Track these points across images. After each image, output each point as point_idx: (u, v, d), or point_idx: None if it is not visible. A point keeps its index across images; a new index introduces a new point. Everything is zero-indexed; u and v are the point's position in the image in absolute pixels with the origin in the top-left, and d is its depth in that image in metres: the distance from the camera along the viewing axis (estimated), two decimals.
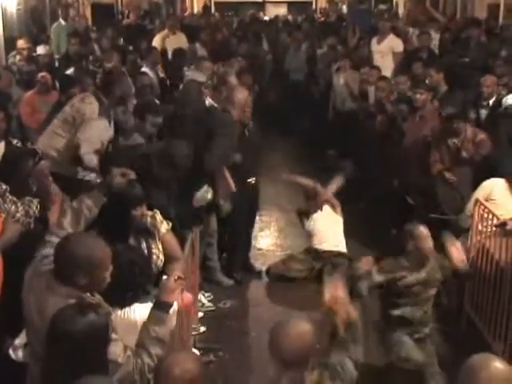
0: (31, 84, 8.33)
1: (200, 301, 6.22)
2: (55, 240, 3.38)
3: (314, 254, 6.87)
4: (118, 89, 6.46)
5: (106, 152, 6.06)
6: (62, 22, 12.74)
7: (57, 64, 10.60)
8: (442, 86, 8.06)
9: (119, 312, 3.53)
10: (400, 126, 7.64)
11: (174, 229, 4.49)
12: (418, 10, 12.82)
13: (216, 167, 5.92)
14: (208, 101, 7.31)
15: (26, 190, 4.66)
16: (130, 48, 11.55)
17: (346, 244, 7.13)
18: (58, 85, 8.39)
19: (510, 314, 5.00)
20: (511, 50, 9.65)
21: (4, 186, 4.42)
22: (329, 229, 6.89)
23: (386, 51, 10.52)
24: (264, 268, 7.05)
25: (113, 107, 6.37)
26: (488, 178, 5.95)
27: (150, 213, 4.33)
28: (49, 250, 3.33)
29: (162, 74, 9.45)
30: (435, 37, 10.99)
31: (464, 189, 6.44)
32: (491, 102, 7.53)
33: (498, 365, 2.62)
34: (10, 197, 4.32)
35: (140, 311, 3.59)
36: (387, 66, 10.19)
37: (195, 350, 5.32)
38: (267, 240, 7.84)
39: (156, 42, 11.40)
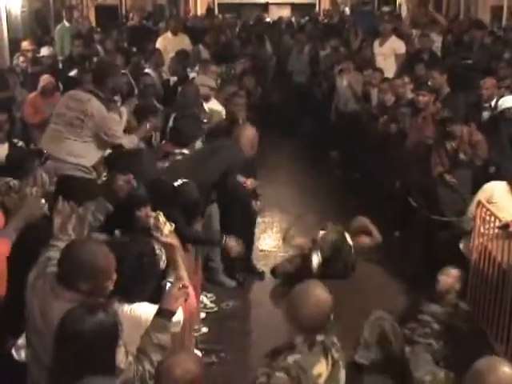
0: (35, 86, 8.35)
1: (202, 302, 6.22)
2: (59, 244, 3.40)
3: None
4: (111, 80, 6.43)
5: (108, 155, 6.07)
6: (66, 23, 12.75)
7: (60, 66, 10.64)
8: (445, 87, 8.06)
9: (125, 307, 3.54)
10: (402, 128, 7.65)
11: (176, 230, 4.51)
12: (420, 12, 12.81)
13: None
14: (212, 101, 7.33)
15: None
16: (134, 49, 11.59)
17: None
18: (61, 86, 8.41)
19: None
20: None
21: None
22: None
23: (388, 53, 10.54)
24: (269, 268, 7.07)
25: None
26: (488, 180, 5.95)
27: (153, 214, 4.35)
28: (53, 253, 3.36)
29: (165, 76, 9.48)
30: (438, 39, 10.99)
31: (464, 191, 6.45)
32: (493, 103, 7.53)
33: (506, 369, 2.62)
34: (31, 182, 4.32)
35: (145, 309, 3.60)
36: (390, 68, 10.20)
37: (197, 351, 5.33)
38: (269, 241, 7.84)
39: (159, 43, 11.43)
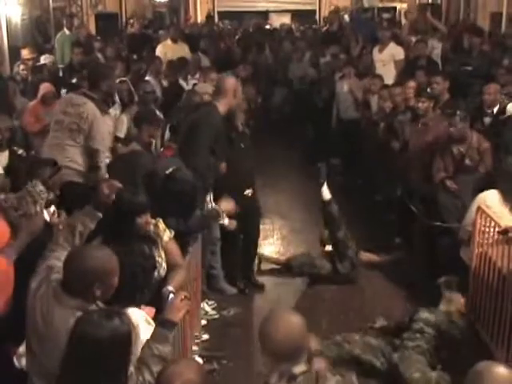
0: (36, 94, 8.36)
1: (203, 309, 6.23)
2: (55, 253, 3.42)
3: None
4: (105, 84, 6.45)
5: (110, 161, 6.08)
6: (67, 31, 12.79)
7: (61, 73, 10.66)
8: (445, 94, 8.07)
9: None
10: (402, 135, 7.65)
11: (176, 237, 4.52)
12: (420, 20, 12.84)
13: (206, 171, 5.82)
14: None
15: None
16: (135, 57, 11.62)
17: None
18: (63, 94, 8.42)
19: None
20: None
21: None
22: None
23: (387, 59, 10.57)
24: (269, 275, 7.10)
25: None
26: (489, 187, 5.94)
27: (153, 221, 4.35)
28: (53, 262, 3.39)
29: (165, 83, 9.50)
30: (438, 46, 11.02)
31: (466, 197, 6.44)
32: (495, 109, 7.54)
33: (504, 372, 2.67)
34: (28, 197, 4.32)
35: (136, 315, 3.60)
36: (389, 75, 10.23)
37: (198, 358, 5.33)
38: (270, 248, 7.84)
39: (159, 50, 11.46)
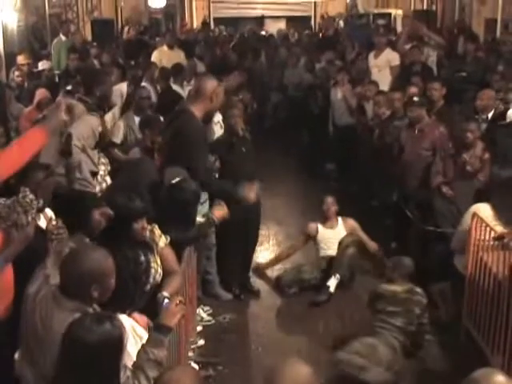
0: (32, 100, 8.36)
1: (199, 314, 6.22)
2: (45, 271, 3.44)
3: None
4: (99, 89, 6.46)
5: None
6: (63, 37, 12.79)
7: (57, 79, 10.67)
8: (440, 100, 8.09)
9: None
10: (397, 140, 7.67)
11: (171, 243, 4.52)
12: (415, 27, 12.88)
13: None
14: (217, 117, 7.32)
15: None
16: (132, 63, 11.62)
17: None
18: None
19: (508, 327, 4.99)
20: (508, 65, 9.70)
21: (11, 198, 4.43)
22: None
23: (383, 65, 10.60)
24: (265, 281, 7.09)
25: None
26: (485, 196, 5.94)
27: (148, 227, 4.36)
28: (50, 271, 3.40)
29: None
30: (433, 53, 11.04)
31: (462, 204, 6.45)
32: (489, 115, 7.56)
33: (501, 378, 2.67)
34: (18, 208, 4.31)
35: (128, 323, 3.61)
36: (385, 80, 10.25)
37: (194, 364, 5.32)
38: (266, 254, 7.84)
39: (155, 56, 11.47)
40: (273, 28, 20.74)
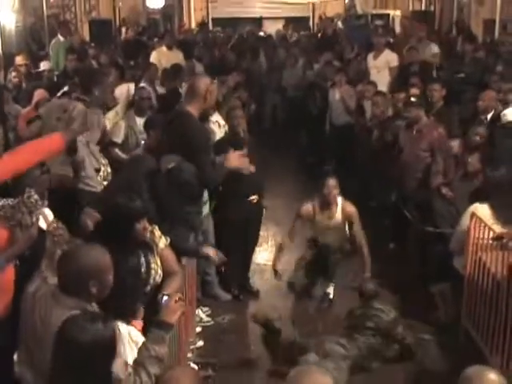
0: (30, 100, 8.35)
1: (198, 315, 6.22)
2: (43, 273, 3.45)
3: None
4: (97, 89, 6.47)
5: None
6: (61, 38, 12.78)
7: (55, 80, 10.65)
8: (439, 101, 8.10)
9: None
10: (397, 141, 7.67)
11: (171, 244, 4.52)
12: (414, 29, 12.93)
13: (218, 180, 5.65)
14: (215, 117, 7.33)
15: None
16: (131, 63, 11.63)
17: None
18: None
19: (507, 327, 5.00)
20: (507, 66, 9.71)
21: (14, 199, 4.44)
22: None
23: (382, 66, 10.63)
24: (264, 281, 7.09)
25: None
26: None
27: (149, 228, 4.35)
28: (46, 273, 3.43)
29: (160, 90, 9.50)
30: (437, 50, 11.05)
31: (462, 204, 6.45)
32: (489, 116, 7.56)
33: (493, 376, 2.74)
34: (23, 208, 4.32)
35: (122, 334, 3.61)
36: (384, 81, 10.27)
37: (193, 365, 5.32)
38: (265, 254, 7.84)
39: (154, 57, 11.47)
40: (271, 29, 20.74)
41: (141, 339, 3.57)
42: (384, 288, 6.94)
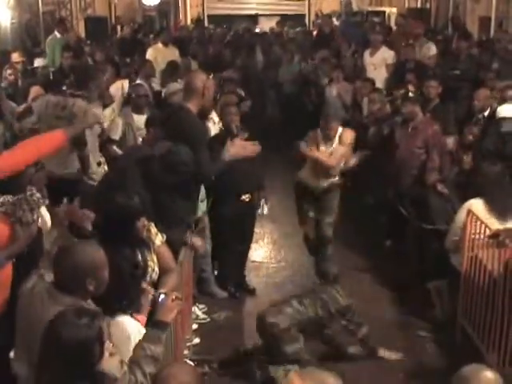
0: (26, 97, 8.33)
1: (194, 312, 6.22)
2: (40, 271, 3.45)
3: None
4: (93, 84, 6.47)
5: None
6: (57, 34, 12.75)
7: (51, 77, 10.63)
8: (436, 98, 8.11)
9: (116, 319, 3.55)
10: (393, 138, 7.67)
11: (168, 241, 4.51)
12: (408, 25, 12.92)
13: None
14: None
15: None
16: (127, 60, 11.60)
17: (339, 256, 7.17)
18: None
19: (503, 324, 5.00)
20: (503, 63, 9.71)
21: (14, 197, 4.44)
22: None
23: (378, 63, 10.63)
24: (260, 279, 7.09)
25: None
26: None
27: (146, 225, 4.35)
28: (43, 271, 3.43)
29: (156, 87, 9.49)
30: (433, 49, 11.05)
31: (457, 201, 6.46)
32: (486, 114, 7.56)
33: (489, 374, 2.74)
34: (25, 205, 4.32)
35: (131, 327, 3.60)
36: (380, 78, 10.27)
37: (189, 362, 5.32)
38: (261, 252, 7.84)
39: (150, 54, 11.44)
40: (267, 26, 20.72)
41: None
42: (380, 285, 6.97)
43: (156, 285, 4.26)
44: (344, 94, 10.14)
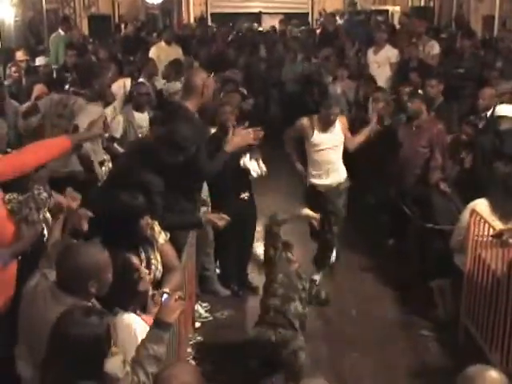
0: (30, 95, 8.34)
1: (197, 311, 6.22)
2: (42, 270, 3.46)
3: None
4: (97, 82, 6.47)
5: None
6: (61, 32, 12.76)
7: (54, 75, 10.64)
8: (439, 97, 8.09)
9: (121, 317, 3.55)
10: (396, 136, 7.66)
11: (171, 239, 4.51)
12: (411, 24, 12.92)
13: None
14: None
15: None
16: (131, 58, 11.60)
17: (342, 255, 7.15)
18: None
19: (506, 324, 5.00)
20: (506, 62, 9.69)
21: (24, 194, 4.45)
22: None
23: (382, 61, 10.63)
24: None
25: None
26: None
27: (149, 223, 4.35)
28: (46, 270, 3.44)
29: (158, 86, 9.48)
30: (436, 47, 11.04)
31: (459, 200, 6.46)
32: (489, 113, 7.55)
33: (494, 374, 2.75)
34: (31, 204, 4.32)
35: (137, 324, 3.60)
36: (384, 77, 10.26)
37: (192, 361, 5.32)
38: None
39: (153, 52, 11.45)
40: (270, 24, 20.70)
41: None
42: (383, 284, 6.96)
43: (160, 283, 4.26)
44: (348, 92, 10.14)
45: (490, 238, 5.41)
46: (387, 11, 18.78)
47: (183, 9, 23.18)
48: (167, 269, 4.33)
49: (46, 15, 15.28)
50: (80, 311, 2.92)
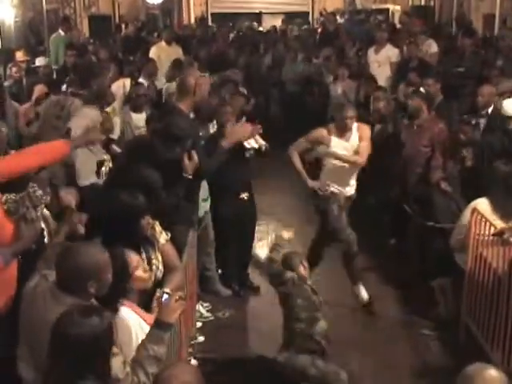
0: (30, 96, 8.34)
1: (198, 311, 6.22)
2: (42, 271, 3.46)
3: None
4: (96, 82, 6.47)
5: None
6: (61, 33, 12.76)
7: (55, 75, 10.64)
8: (438, 96, 8.09)
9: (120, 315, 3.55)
10: (398, 136, 7.66)
11: (172, 239, 4.51)
12: (411, 23, 12.92)
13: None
14: None
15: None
16: (131, 58, 11.61)
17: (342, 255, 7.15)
18: None
19: (508, 323, 4.99)
20: (507, 60, 9.68)
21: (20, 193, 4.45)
22: None
23: (383, 61, 10.62)
24: (264, 278, 7.07)
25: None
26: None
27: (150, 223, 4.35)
28: (47, 271, 3.44)
29: (158, 85, 9.49)
30: (434, 45, 11.05)
31: (460, 199, 6.46)
32: (489, 110, 7.54)
33: (493, 373, 2.76)
34: (28, 202, 4.32)
35: (131, 320, 3.60)
36: (384, 76, 10.25)
37: (193, 361, 5.32)
38: (264, 250, 7.82)
39: (153, 52, 11.45)
40: (271, 24, 20.69)
41: None
42: (384, 283, 6.96)
43: (161, 283, 4.26)
44: (349, 92, 10.14)
45: (491, 237, 5.41)
46: (388, 10, 18.79)
47: (183, 9, 23.16)
48: (168, 269, 4.33)
49: (46, 15, 15.24)
50: (80, 311, 2.92)
